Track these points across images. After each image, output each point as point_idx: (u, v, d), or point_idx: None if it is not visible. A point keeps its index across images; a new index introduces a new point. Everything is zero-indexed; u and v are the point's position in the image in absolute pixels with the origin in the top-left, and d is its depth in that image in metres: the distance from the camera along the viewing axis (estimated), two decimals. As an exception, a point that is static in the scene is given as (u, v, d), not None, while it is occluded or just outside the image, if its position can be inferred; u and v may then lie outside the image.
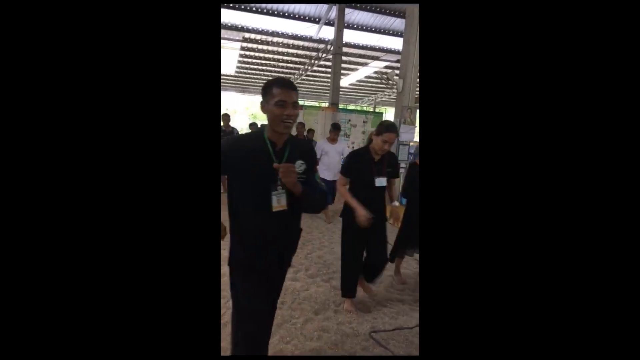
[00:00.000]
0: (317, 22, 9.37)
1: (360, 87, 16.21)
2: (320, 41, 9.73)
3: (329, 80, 14.82)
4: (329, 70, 12.77)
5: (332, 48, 9.47)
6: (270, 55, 11.32)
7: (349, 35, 9.26)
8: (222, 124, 5.02)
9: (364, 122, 9.14)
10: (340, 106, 9.50)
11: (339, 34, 8.76)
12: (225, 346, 1.71)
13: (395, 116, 5.57)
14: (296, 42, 9.96)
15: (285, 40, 9.78)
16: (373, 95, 18.26)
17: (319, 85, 16.13)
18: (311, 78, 14.51)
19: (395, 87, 5.45)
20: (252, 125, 5.02)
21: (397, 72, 5.25)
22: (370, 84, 15.51)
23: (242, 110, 25.47)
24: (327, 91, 17.49)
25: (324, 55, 10.27)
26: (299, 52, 10.82)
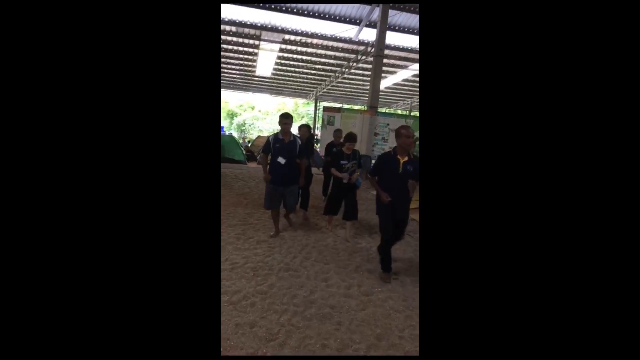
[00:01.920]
0: (358, 24, 9.19)
1: (394, 91, 15.79)
2: (360, 43, 9.51)
3: (364, 83, 14.69)
4: (367, 72, 12.61)
5: (372, 50, 9.23)
6: (308, 58, 11.26)
7: (390, 37, 8.98)
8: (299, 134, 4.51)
9: (403, 126, 8.81)
10: (378, 109, 9.22)
11: (381, 36, 8.51)
12: (225, 346, 1.73)
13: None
14: (335, 44, 9.80)
15: (324, 42, 9.65)
16: (409, 99, 17.76)
17: (354, 88, 15.90)
18: (346, 81, 14.32)
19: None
20: (304, 127, 4.47)
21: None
22: (407, 88, 15.06)
23: (274, 112, 25.86)
24: (361, 94, 17.25)
25: (363, 57, 10.05)
26: (337, 54, 10.65)
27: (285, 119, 3.22)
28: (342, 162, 3.53)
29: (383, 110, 17.11)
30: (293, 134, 3.31)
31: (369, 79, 13.38)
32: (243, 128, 24.63)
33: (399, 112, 18.63)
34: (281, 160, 3.19)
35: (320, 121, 9.23)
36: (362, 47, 9.74)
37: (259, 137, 14.48)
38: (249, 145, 13.55)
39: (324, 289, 2.47)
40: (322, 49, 10.23)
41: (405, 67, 11.43)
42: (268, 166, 3.26)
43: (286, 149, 3.20)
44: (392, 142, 9.29)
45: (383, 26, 8.43)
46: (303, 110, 24.96)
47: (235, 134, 18.19)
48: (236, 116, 25.53)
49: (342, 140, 4.86)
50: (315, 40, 9.48)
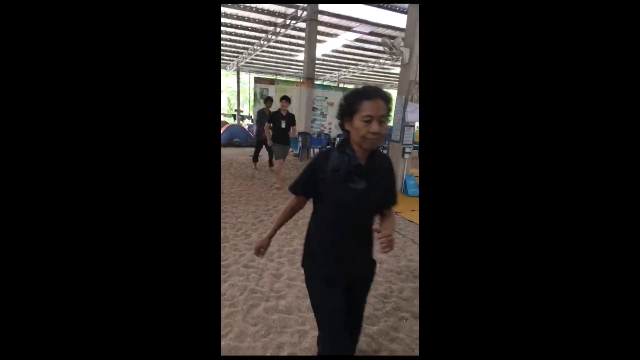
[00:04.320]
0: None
1: (323, 63, 15.12)
2: (289, 3, 8.44)
3: (290, 52, 13.61)
4: (293, 40, 11.59)
5: (303, 14, 8.31)
6: (229, 21, 9.74)
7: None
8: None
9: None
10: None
11: (313, -3, 7.66)
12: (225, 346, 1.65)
13: (400, 92, 4.84)
14: (259, 5, 8.56)
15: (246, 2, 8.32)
16: (336, 72, 17.36)
17: (280, 58, 14.73)
18: (271, 49, 13.09)
19: (398, 58, 4.68)
20: (267, 100, 6.29)
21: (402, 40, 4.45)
22: (335, 59, 14.54)
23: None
24: (288, 65, 16.13)
25: (292, 22, 9.04)
26: (262, 17, 9.41)
27: (287, 101, 4.91)
28: (282, 121, 4.70)
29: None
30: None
31: (296, 47, 12.43)
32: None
33: (326, 84, 18.23)
34: (283, 124, 4.87)
35: (252, 94, 8.14)
36: (291, 11, 8.72)
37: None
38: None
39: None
40: (244, 10, 8.86)
41: (335, 35, 10.79)
42: (271, 133, 4.91)
43: (286, 120, 4.90)
44: (331, 118, 8.74)
45: (315, -14, 7.58)
46: (222, 83, 22.66)
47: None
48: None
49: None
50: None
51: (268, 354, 1.61)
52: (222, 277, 2.21)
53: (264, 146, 6.08)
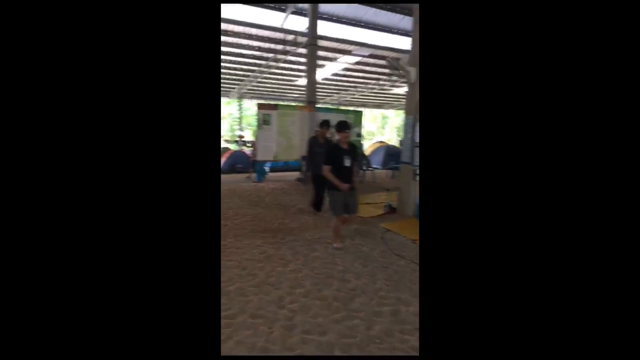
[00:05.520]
0: (283, 11, 8.24)
1: (322, 87, 15.22)
2: (288, 31, 8.53)
3: (291, 78, 13.75)
4: (294, 66, 11.69)
5: (303, 40, 8.37)
6: (228, 49, 9.84)
7: (319, 27, 8.22)
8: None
9: (345, 122, 8.18)
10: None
11: (313, 22, 7.72)
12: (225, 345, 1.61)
13: (407, 112, 4.66)
14: (260, 32, 8.64)
15: (248, 30, 8.40)
16: (336, 95, 17.49)
17: (281, 84, 14.86)
18: (272, 77, 13.20)
19: (403, 78, 4.53)
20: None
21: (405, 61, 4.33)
22: (335, 82, 14.64)
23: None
24: (289, 91, 16.29)
25: (293, 48, 9.10)
26: (262, 44, 9.50)
27: (328, 126, 4.25)
28: (345, 158, 3.19)
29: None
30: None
31: (296, 73, 12.53)
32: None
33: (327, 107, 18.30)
34: (347, 162, 3.22)
35: (254, 120, 8.04)
36: (290, 37, 8.80)
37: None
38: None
39: None
40: (246, 39, 8.94)
41: (334, 59, 10.85)
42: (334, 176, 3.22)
43: (348, 154, 3.26)
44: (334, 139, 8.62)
45: (314, 12, 7.65)
46: (224, 111, 22.91)
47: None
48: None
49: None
50: (237, 28, 8.16)
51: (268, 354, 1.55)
52: (227, 331, 1.90)
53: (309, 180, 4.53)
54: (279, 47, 9.53)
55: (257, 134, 6.44)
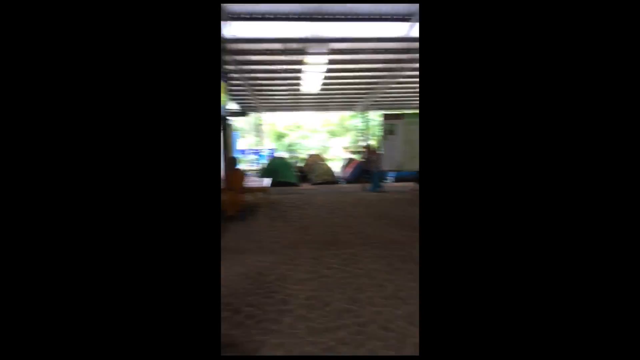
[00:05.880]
0: (408, 20, 8.14)
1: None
2: (413, 39, 8.37)
3: (412, 85, 13.32)
4: (415, 73, 11.33)
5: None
6: (355, 66, 10.38)
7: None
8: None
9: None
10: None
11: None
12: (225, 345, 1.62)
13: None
14: (385, 45, 8.79)
15: (374, 45, 8.67)
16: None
17: (403, 92, 14.62)
18: (396, 86, 13.13)
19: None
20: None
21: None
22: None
23: (320, 129, 25.38)
24: (410, 98, 15.83)
25: (417, 55, 8.88)
26: (388, 56, 9.61)
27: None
28: None
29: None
30: None
31: (416, 80, 12.09)
32: (292, 148, 24.45)
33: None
34: None
35: (382, 132, 8.20)
36: (415, 44, 8.60)
37: (311, 155, 13.87)
38: (298, 164, 12.99)
39: None
40: (371, 54, 9.26)
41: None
42: None
43: None
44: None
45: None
46: (349, 124, 24.09)
47: (285, 155, 18.01)
48: (284, 137, 25.55)
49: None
50: (363, 45, 8.55)
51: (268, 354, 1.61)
52: (358, 338, 2.01)
53: None
54: (404, 56, 9.45)
55: (381, 144, 6.56)
